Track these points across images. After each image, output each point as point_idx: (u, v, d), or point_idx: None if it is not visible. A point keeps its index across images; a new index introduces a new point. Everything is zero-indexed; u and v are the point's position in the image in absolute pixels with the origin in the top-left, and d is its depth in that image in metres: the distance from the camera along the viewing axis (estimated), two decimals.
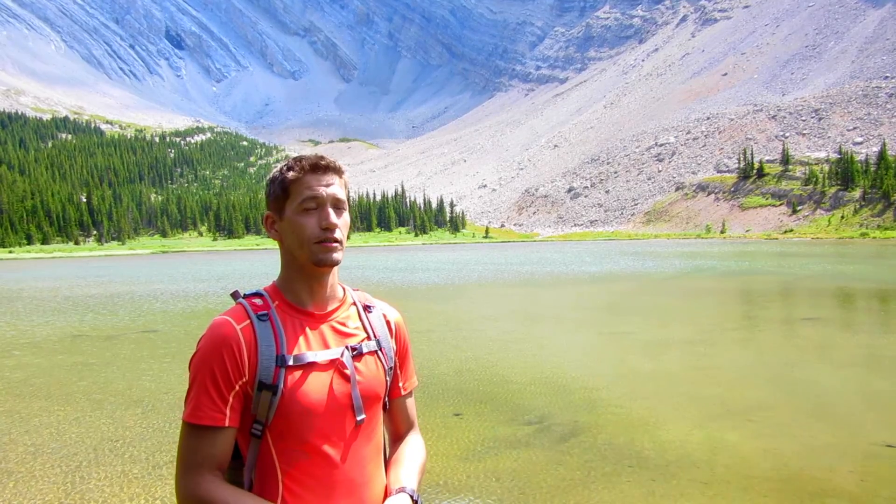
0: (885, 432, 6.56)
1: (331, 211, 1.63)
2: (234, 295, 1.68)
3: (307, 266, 1.64)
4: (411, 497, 1.68)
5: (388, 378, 1.77)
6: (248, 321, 1.57)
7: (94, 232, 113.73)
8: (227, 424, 1.53)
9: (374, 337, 1.74)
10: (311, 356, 1.60)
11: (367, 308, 1.80)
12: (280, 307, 1.63)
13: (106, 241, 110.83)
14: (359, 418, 1.64)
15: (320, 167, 1.64)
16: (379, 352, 1.74)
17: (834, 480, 5.32)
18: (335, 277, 1.73)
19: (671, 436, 6.55)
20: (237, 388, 1.53)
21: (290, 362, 1.56)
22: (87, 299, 22.99)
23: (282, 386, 1.54)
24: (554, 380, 9.22)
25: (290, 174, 1.63)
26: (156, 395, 8.63)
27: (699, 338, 12.66)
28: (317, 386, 1.58)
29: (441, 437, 6.69)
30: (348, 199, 1.73)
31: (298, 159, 1.65)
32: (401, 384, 1.86)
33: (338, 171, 1.68)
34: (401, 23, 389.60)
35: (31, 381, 9.66)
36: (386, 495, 1.71)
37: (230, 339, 1.54)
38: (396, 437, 1.89)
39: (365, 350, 1.70)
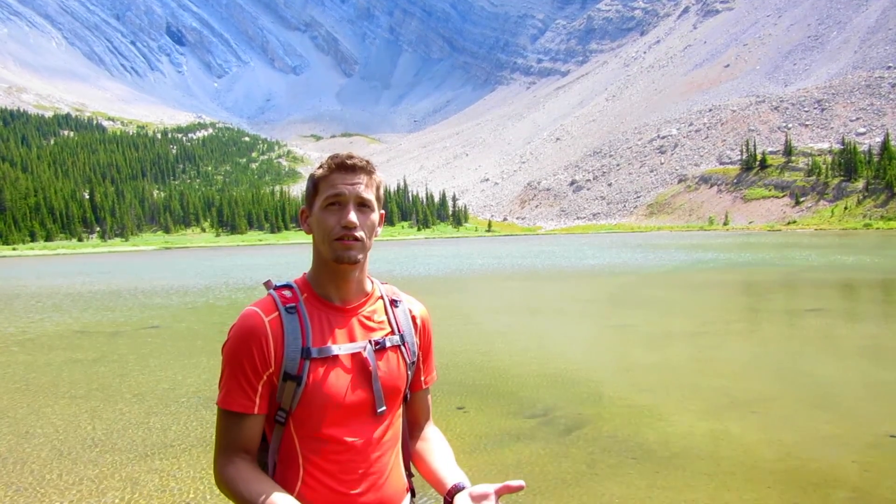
0: (888, 423, 6.57)
1: (352, 210, 1.65)
2: (267, 285, 1.73)
3: (329, 262, 1.68)
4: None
5: (409, 372, 1.80)
6: (277, 313, 1.62)
7: (98, 229, 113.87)
8: (255, 412, 1.59)
9: (399, 332, 1.77)
10: (335, 349, 1.63)
11: (393, 303, 1.82)
12: (308, 300, 1.67)
13: (109, 238, 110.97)
14: (379, 410, 1.69)
15: (347, 166, 1.67)
16: (402, 346, 1.77)
17: (837, 471, 5.33)
18: (364, 272, 1.76)
19: (675, 428, 6.56)
20: (265, 377, 1.59)
21: (315, 354, 1.60)
22: (91, 296, 23.05)
23: (306, 377, 1.59)
24: (557, 373, 9.23)
25: (319, 171, 1.68)
26: (158, 390, 8.67)
27: (702, 330, 12.66)
28: (339, 378, 1.63)
29: (445, 431, 6.65)
30: (383, 199, 1.77)
31: (332, 157, 1.70)
32: (422, 378, 1.90)
33: (367, 170, 1.70)
34: (402, 17, 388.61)
35: (34, 377, 9.71)
36: (408, 487, 1.88)
37: (258, 330, 1.59)
38: (415, 427, 1.96)
39: (388, 344, 1.73)
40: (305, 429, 1.62)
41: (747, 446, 5.96)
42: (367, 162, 1.72)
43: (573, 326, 14.08)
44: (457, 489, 1.70)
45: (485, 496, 1.60)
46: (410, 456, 1.93)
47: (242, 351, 1.58)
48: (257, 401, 1.59)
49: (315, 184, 1.68)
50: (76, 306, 19.62)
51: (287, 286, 1.69)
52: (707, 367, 9.46)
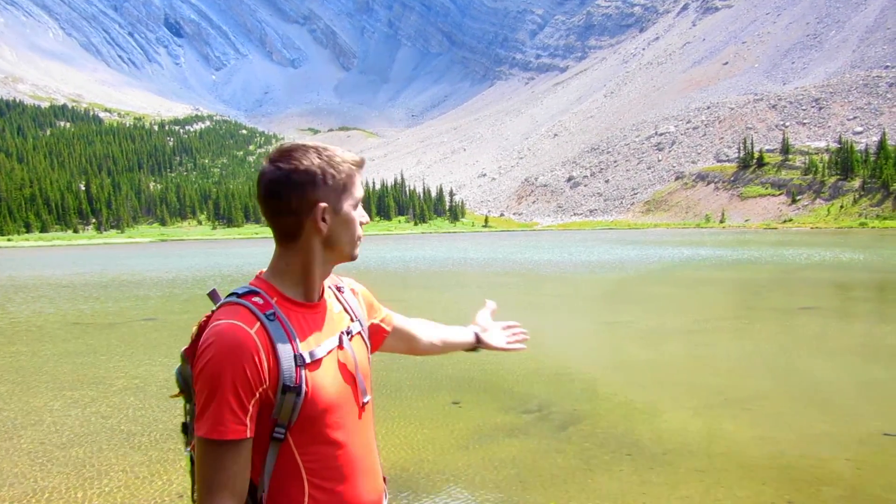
0: (881, 421, 6.60)
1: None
2: (213, 295, 1.64)
3: (335, 261, 1.65)
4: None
5: (369, 354, 1.81)
6: (259, 323, 1.50)
7: (93, 220, 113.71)
8: (248, 435, 1.47)
9: (356, 317, 1.76)
10: (320, 349, 1.58)
11: (339, 289, 1.79)
12: (280, 303, 1.57)
13: (105, 230, 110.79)
14: (364, 400, 1.68)
15: (362, 163, 1.66)
16: (362, 331, 1.77)
17: (830, 468, 5.36)
18: None
19: (669, 424, 6.59)
20: (257, 395, 1.47)
21: (307, 360, 1.54)
22: (85, 287, 23.02)
23: (304, 386, 1.51)
24: (552, 369, 9.26)
25: (353, 168, 1.61)
26: (155, 382, 8.67)
27: (697, 327, 12.70)
28: (330, 377, 1.58)
29: (440, 426, 6.73)
30: None
31: (349, 154, 1.62)
32: (380, 321, 1.96)
33: None
34: (401, 11, 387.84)
35: (25, 369, 9.70)
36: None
37: (248, 345, 1.46)
38: (412, 329, 2.15)
39: (354, 331, 1.72)
40: (306, 439, 1.55)
41: (741, 443, 5.99)
42: None
43: (568, 322, 14.11)
44: (476, 334, 2.13)
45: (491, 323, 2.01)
46: (430, 351, 2.20)
47: (233, 369, 1.44)
48: (248, 423, 1.46)
49: (344, 183, 1.59)
50: (70, 298, 19.60)
51: (252, 292, 1.56)
52: (701, 364, 9.49)
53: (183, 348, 1.62)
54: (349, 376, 1.64)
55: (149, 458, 5.88)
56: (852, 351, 10.22)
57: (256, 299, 1.54)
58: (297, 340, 1.54)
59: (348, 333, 1.69)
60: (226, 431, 1.43)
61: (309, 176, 1.54)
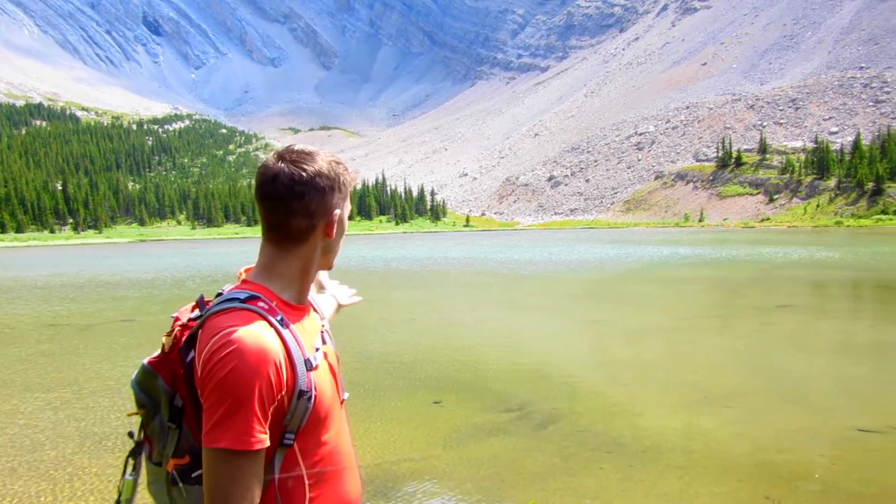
0: (856, 417, 6.69)
1: None
2: (204, 303, 1.58)
3: (322, 268, 1.65)
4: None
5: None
6: (273, 329, 1.47)
7: (70, 220, 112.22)
8: (268, 444, 1.44)
9: (323, 315, 1.75)
10: (318, 352, 1.59)
11: None
12: (279, 307, 1.55)
13: (82, 230, 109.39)
14: (345, 397, 1.67)
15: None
16: (328, 325, 1.76)
17: (806, 464, 5.43)
18: None
19: (649, 422, 6.64)
20: (276, 403, 1.44)
21: (314, 363, 1.53)
22: (63, 288, 22.73)
23: (313, 390, 1.50)
24: (533, 367, 9.28)
25: (347, 176, 1.61)
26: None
27: (677, 325, 12.80)
28: (326, 378, 1.57)
29: (421, 425, 6.72)
30: None
31: (342, 161, 1.61)
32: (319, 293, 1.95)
33: None
34: (382, 10, 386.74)
35: (5, 371, 9.56)
36: None
37: (271, 351, 1.43)
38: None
39: (326, 328, 1.72)
40: (309, 442, 1.53)
41: (719, 440, 6.05)
42: None
43: (549, 321, 14.15)
44: (334, 297, 2.12)
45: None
46: None
47: (259, 377, 1.40)
48: (268, 432, 1.43)
49: (349, 192, 1.61)
50: (46, 299, 19.34)
51: (255, 297, 1.52)
52: (681, 362, 9.56)
53: (147, 359, 1.56)
54: (333, 375, 1.64)
55: (122, 461, 5.81)
56: (828, 348, 10.35)
57: (262, 304, 1.50)
58: (303, 344, 1.53)
59: (326, 331, 1.69)
60: (254, 442, 1.40)
61: (330, 181, 1.54)
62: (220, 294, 1.60)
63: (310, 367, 1.51)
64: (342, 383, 1.68)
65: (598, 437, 6.17)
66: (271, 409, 1.43)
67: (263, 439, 1.41)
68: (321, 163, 1.54)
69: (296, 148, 1.56)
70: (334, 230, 1.58)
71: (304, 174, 1.50)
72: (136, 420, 1.62)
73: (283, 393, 1.45)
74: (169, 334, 1.55)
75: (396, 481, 5.29)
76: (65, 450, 6.15)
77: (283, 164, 1.51)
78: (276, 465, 1.49)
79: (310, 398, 1.49)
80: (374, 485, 5.18)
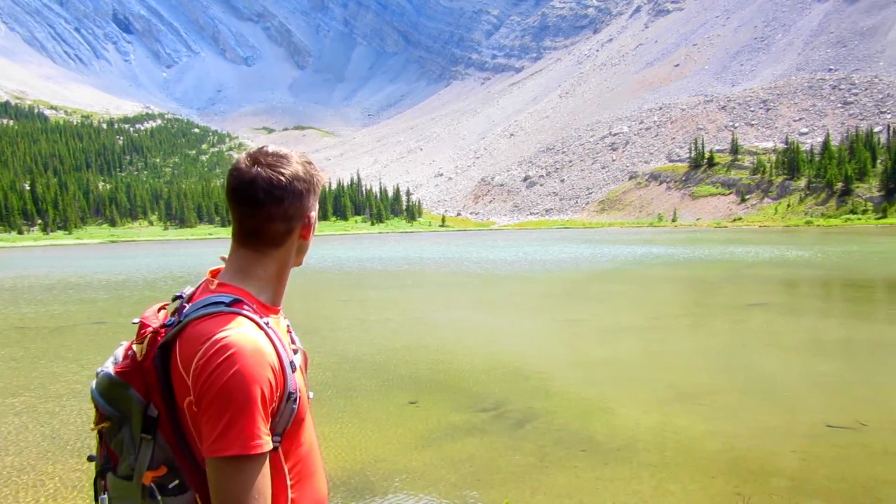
0: (825, 413, 6.81)
1: None
2: (197, 300, 1.53)
3: (294, 266, 1.63)
4: None
5: None
6: (264, 332, 1.45)
7: (39, 221, 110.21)
8: (272, 445, 1.42)
9: (283, 315, 1.70)
10: (298, 354, 1.58)
11: None
12: (260, 310, 1.52)
13: (52, 231, 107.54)
14: (311, 396, 1.63)
15: None
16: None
17: (777, 460, 5.51)
18: None
19: (623, 420, 6.69)
20: (272, 406, 1.43)
21: (296, 364, 1.52)
22: (31, 290, 22.33)
23: (297, 391, 1.49)
24: (509, 367, 9.31)
25: (320, 176, 1.59)
26: None
27: (650, 325, 12.91)
28: (300, 378, 1.54)
29: (397, 425, 6.71)
30: None
31: (311, 162, 1.59)
32: None
33: None
34: (356, 9, 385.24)
35: None
36: None
37: (268, 354, 1.42)
38: None
39: (290, 326, 1.69)
40: (291, 443, 1.52)
41: (692, 438, 6.11)
42: None
43: (525, 321, 14.20)
44: None
45: None
46: None
47: (259, 381, 1.38)
48: (270, 433, 1.42)
49: (317, 191, 1.58)
50: (13, 301, 18.99)
51: (239, 301, 1.48)
52: (655, 360, 9.65)
53: (112, 369, 1.50)
54: (304, 373, 1.60)
55: (85, 465, 5.72)
56: (799, 346, 10.51)
57: (247, 308, 1.48)
58: (286, 346, 1.51)
59: (290, 330, 1.67)
60: (262, 444, 1.38)
61: (306, 184, 1.52)
62: (179, 297, 1.56)
63: (294, 368, 1.49)
64: (308, 382, 1.64)
65: (573, 436, 6.21)
66: (269, 412, 1.41)
67: (269, 441, 1.40)
68: (296, 166, 1.52)
69: (269, 150, 1.52)
70: (311, 232, 1.58)
71: (282, 179, 1.48)
72: (96, 437, 1.54)
73: (279, 395, 1.43)
74: (140, 342, 1.50)
75: (372, 482, 5.27)
76: (28, 455, 6.04)
77: (259, 169, 1.47)
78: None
79: (295, 400, 1.47)
80: (350, 485, 5.16)
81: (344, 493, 5.05)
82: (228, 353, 1.37)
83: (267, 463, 1.40)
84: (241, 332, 1.40)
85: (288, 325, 1.66)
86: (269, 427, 1.41)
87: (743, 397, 7.56)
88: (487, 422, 6.75)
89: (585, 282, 22.72)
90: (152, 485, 1.45)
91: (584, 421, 6.69)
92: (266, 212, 1.48)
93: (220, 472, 1.36)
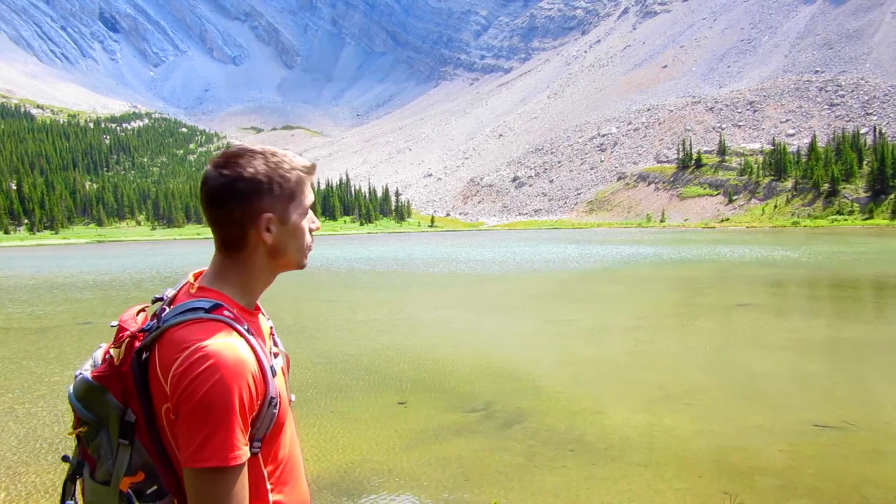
0: (812, 412, 6.85)
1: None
2: (160, 313, 1.51)
3: (282, 270, 1.57)
4: None
5: None
6: (244, 339, 1.43)
7: (26, 221, 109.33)
8: (249, 454, 1.41)
9: (266, 315, 1.67)
10: (278, 358, 1.57)
11: None
12: (240, 314, 1.50)
13: (38, 231, 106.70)
14: (292, 398, 1.61)
15: (313, 169, 1.56)
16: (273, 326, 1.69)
17: (764, 459, 5.54)
18: None
19: (612, 420, 6.71)
20: (255, 412, 1.42)
21: (276, 368, 1.49)
22: (17, 290, 22.13)
23: (277, 396, 1.47)
24: (498, 367, 9.32)
25: (302, 174, 1.52)
26: None
27: (639, 324, 12.95)
28: (281, 381, 1.53)
29: (386, 426, 6.69)
30: None
31: (297, 160, 1.53)
32: None
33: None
34: (344, 9, 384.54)
35: None
36: None
37: (248, 363, 1.39)
38: None
39: (273, 329, 1.66)
40: (271, 448, 1.50)
41: (680, 437, 6.13)
42: None
43: (514, 322, 14.21)
44: None
45: None
46: None
47: (239, 392, 1.36)
48: (248, 442, 1.41)
49: (292, 191, 1.50)
50: (2, 301, 18.81)
51: (219, 306, 1.46)
52: (643, 360, 9.68)
53: (90, 373, 1.47)
54: (285, 378, 1.59)
55: (60, 466, 5.68)
56: (786, 346, 10.58)
57: (228, 314, 1.45)
58: (267, 351, 1.49)
59: (273, 333, 1.65)
60: (240, 455, 1.37)
61: (254, 185, 1.45)
62: (159, 299, 1.54)
63: (273, 373, 1.47)
64: (290, 384, 1.63)
65: (562, 436, 6.22)
66: (250, 420, 1.40)
67: (245, 451, 1.38)
68: (247, 166, 1.45)
69: (227, 151, 1.49)
70: (266, 234, 1.48)
71: (222, 179, 1.44)
72: (73, 439, 1.51)
73: (259, 402, 1.42)
74: (117, 345, 1.48)
75: (361, 482, 5.26)
76: (2, 456, 5.99)
77: (209, 170, 1.46)
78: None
79: (276, 405, 1.46)
80: (339, 486, 5.15)
81: (332, 493, 5.03)
82: (208, 363, 1.34)
83: (245, 472, 1.39)
84: (220, 342, 1.38)
85: (271, 327, 1.63)
86: (248, 434, 1.40)
87: (730, 397, 7.60)
88: (476, 422, 6.75)
89: (574, 282, 22.78)
90: (129, 491, 1.43)
91: (572, 421, 6.70)
92: (211, 214, 1.47)
93: (199, 482, 1.35)
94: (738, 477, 5.18)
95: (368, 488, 5.15)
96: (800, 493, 4.89)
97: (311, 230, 1.56)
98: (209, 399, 1.33)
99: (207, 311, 1.43)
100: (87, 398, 1.45)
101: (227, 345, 1.38)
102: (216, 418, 1.33)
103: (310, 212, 1.56)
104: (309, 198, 1.54)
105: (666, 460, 5.56)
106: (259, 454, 1.46)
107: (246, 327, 1.45)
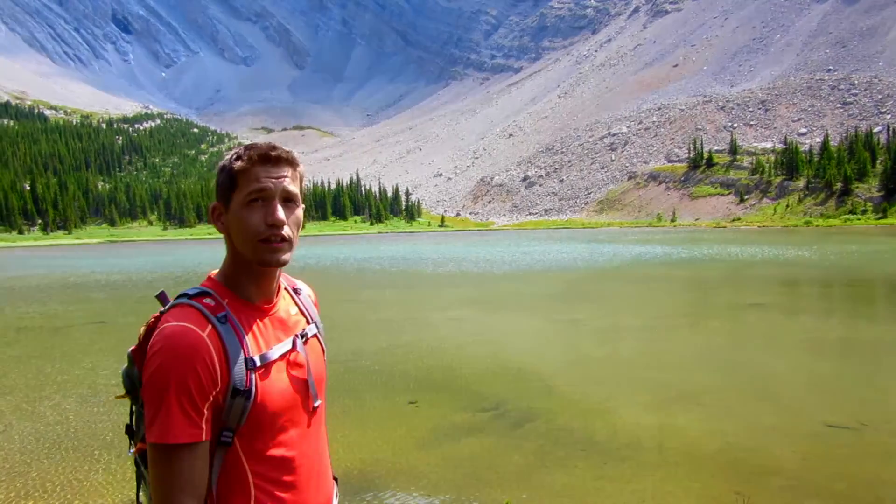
0: (825, 413, 6.81)
1: (279, 206, 1.52)
2: (162, 297, 1.62)
3: (252, 263, 1.55)
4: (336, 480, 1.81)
5: (325, 357, 1.76)
6: (210, 325, 1.45)
7: (39, 221, 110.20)
8: (203, 438, 1.42)
9: (312, 320, 1.72)
10: (272, 353, 1.54)
11: (296, 291, 1.76)
12: (231, 305, 1.53)
13: (52, 231, 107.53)
14: (315, 404, 1.62)
15: (271, 158, 1.53)
16: (318, 334, 1.73)
17: (777, 460, 5.51)
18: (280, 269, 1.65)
19: (623, 420, 6.69)
20: (211, 398, 1.43)
21: (258, 363, 1.50)
22: (32, 290, 22.32)
23: (254, 389, 1.47)
24: (509, 367, 9.31)
25: (238, 163, 1.51)
26: (99, 387, 8.45)
27: (650, 324, 12.91)
28: (281, 381, 1.53)
29: (397, 426, 6.71)
30: (303, 193, 1.62)
31: (249, 147, 1.54)
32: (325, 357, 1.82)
33: (291, 162, 1.56)
34: (354, 9, 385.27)
35: None
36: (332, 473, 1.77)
37: (200, 348, 1.41)
38: None
39: (309, 335, 1.67)
40: (255, 443, 1.50)
41: (692, 437, 6.11)
42: (290, 153, 1.57)
43: (525, 321, 14.20)
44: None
45: None
46: None
47: (186, 372, 1.39)
48: (204, 426, 1.42)
49: (232, 177, 1.51)
50: (14, 301, 18.98)
51: (204, 293, 1.52)
52: (654, 360, 9.65)
53: (130, 349, 1.58)
54: (301, 381, 1.59)
55: (69, 467, 5.73)
56: (799, 346, 10.52)
57: (208, 301, 1.50)
58: (249, 343, 1.50)
59: (303, 336, 1.64)
60: (178, 435, 1.39)
61: (219, 177, 1.55)
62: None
63: (252, 366, 1.47)
64: (314, 392, 1.63)
65: (573, 436, 6.21)
66: (206, 405, 1.42)
67: (193, 433, 1.40)
68: (220, 162, 1.57)
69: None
70: (220, 224, 1.57)
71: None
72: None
73: (217, 390, 1.43)
74: (145, 326, 1.58)
75: (373, 482, 5.27)
76: (31, 456, 6.04)
77: None
78: (216, 463, 1.47)
79: (248, 397, 1.45)
80: (350, 486, 5.17)
81: (343, 492, 5.05)
82: (160, 345, 1.41)
83: (197, 454, 1.41)
84: (180, 324, 1.42)
85: (305, 331, 1.67)
86: (209, 420, 1.42)
87: (742, 397, 7.57)
88: (487, 421, 6.76)
89: (585, 281, 22.72)
90: (136, 456, 1.56)
91: (583, 421, 6.69)
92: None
93: (150, 457, 1.42)
94: (750, 477, 5.16)
95: (379, 487, 5.17)
96: (812, 494, 4.87)
97: (270, 223, 1.51)
98: (155, 378, 1.40)
99: (191, 297, 1.50)
100: (126, 370, 1.58)
101: (182, 329, 1.42)
102: (158, 397, 1.39)
103: (270, 204, 1.52)
104: (253, 183, 1.51)
105: (677, 460, 5.54)
106: (237, 448, 1.48)
107: (223, 315, 1.47)
